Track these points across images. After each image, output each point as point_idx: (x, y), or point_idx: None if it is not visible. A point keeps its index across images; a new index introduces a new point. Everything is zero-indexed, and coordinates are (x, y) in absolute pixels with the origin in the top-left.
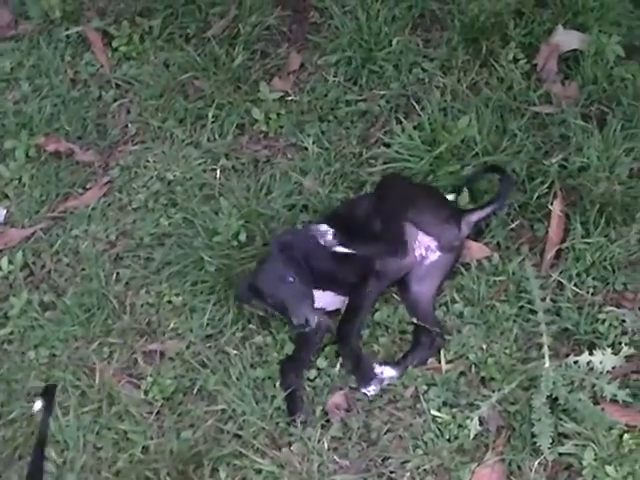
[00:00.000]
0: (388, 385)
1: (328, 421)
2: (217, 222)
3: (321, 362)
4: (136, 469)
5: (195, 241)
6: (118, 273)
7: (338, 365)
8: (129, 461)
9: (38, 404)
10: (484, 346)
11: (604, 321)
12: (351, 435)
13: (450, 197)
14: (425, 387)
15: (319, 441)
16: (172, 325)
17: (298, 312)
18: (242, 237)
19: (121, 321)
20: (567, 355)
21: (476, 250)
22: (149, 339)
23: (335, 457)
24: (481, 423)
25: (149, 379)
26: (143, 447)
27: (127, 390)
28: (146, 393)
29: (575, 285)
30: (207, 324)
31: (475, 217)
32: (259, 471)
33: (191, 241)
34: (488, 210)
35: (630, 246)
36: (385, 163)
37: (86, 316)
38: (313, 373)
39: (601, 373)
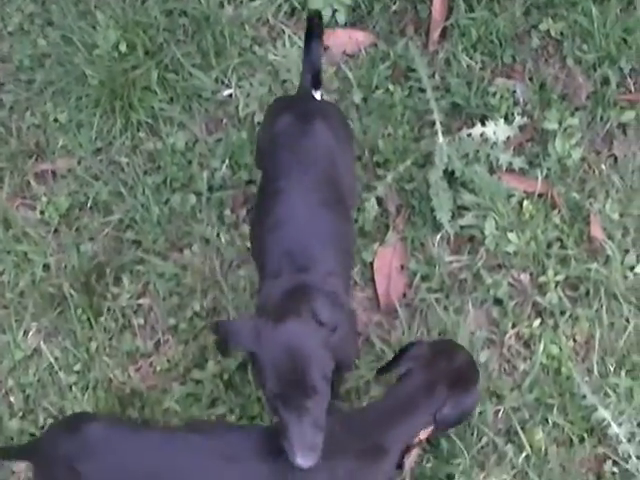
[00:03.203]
0: None
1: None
2: (95, 36)
3: None
4: (39, 287)
5: (75, 57)
6: (1, 99)
7: None
8: (31, 281)
9: None
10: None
11: (495, 94)
12: None
13: None
14: None
15: (218, 237)
16: (61, 143)
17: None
18: (122, 47)
19: (8, 145)
20: (460, 129)
21: (362, 38)
22: (39, 159)
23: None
24: (380, 204)
25: (43, 199)
26: (44, 265)
27: (22, 212)
28: (42, 213)
29: (463, 61)
30: (96, 137)
31: None
32: (162, 275)
33: (71, 58)
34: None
35: (515, 19)
36: None
37: None
38: None
39: (495, 143)
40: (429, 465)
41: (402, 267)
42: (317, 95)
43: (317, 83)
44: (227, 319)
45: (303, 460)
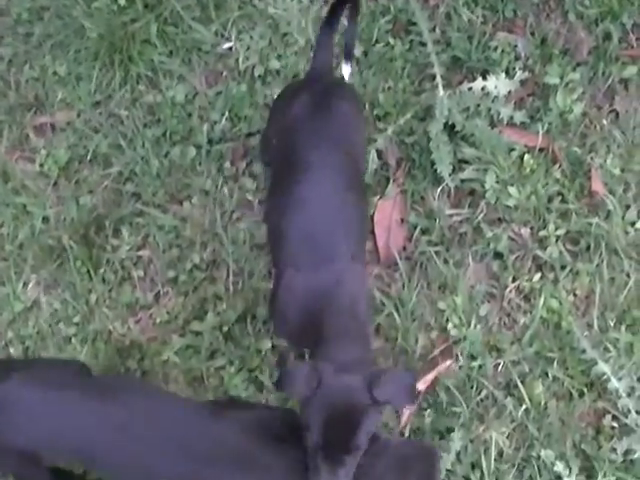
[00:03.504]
0: None
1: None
2: None
3: None
4: (38, 240)
5: (74, 10)
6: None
7: None
8: (31, 233)
9: None
10: (380, 86)
11: (496, 48)
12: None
13: None
14: None
15: (217, 189)
16: (60, 96)
17: None
18: (121, 0)
19: (7, 99)
20: (460, 83)
21: None
22: (38, 113)
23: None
24: (380, 157)
25: (43, 152)
26: (43, 218)
27: (22, 165)
28: (41, 166)
29: (464, 15)
30: (95, 90)
31: None
32: (161, 227)
33: (70, 11)
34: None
35: None
36: None
37: None
38: None
39: (496, 97)
40: (429, 418)
41: (402, 220)
42: (346, 67)
43: (350, 56)
44: (289, 362)
45: None
